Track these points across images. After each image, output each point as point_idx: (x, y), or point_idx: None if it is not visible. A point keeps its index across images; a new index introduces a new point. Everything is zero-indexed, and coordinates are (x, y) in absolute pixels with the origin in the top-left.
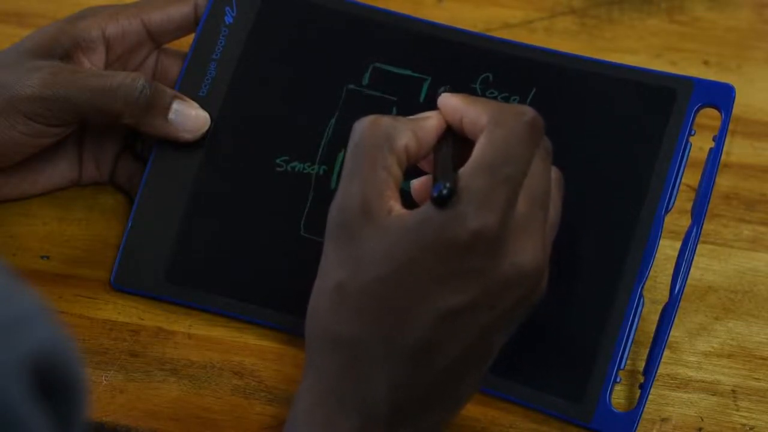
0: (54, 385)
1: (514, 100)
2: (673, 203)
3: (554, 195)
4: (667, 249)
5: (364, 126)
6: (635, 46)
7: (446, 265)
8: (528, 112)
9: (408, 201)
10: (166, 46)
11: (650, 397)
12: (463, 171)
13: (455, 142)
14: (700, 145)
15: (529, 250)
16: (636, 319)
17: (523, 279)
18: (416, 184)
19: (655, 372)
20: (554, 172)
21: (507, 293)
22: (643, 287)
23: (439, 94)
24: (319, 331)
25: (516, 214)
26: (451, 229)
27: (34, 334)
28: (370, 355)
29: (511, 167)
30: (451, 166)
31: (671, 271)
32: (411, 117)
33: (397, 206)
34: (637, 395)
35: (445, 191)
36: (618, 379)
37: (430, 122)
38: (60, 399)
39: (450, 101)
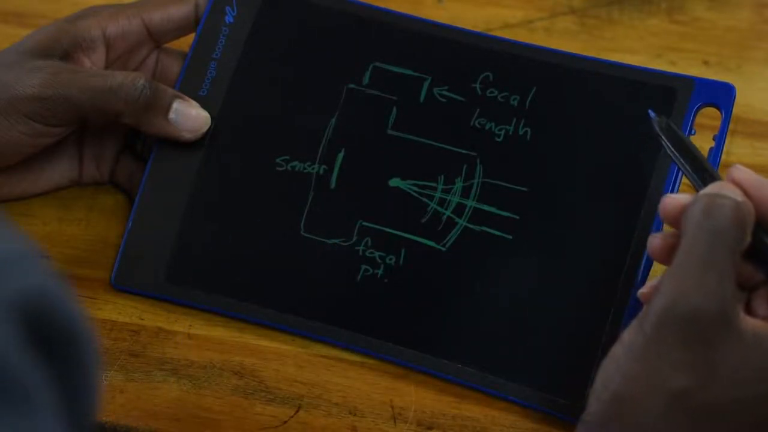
0: (49, 337)
1: (515, 99)
2: None
3: None
4: None
5: (715, 209)
6: (635, 46)
7: None
8: None
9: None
10: (167, 45)
11: None
12: None
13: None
14: (700, 144)
15: None
16: None
17: None
18: (647, 290)
19: None
20: None
21: None
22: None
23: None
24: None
25: None
26: None
27: (19, 278)
28: None
29: None
30: None
31: None
32: (733, 196)
33: (741, 311)
34: None
35: None
36: None
37: (751, 210)
38: (58, 354)
39: (757, 178)
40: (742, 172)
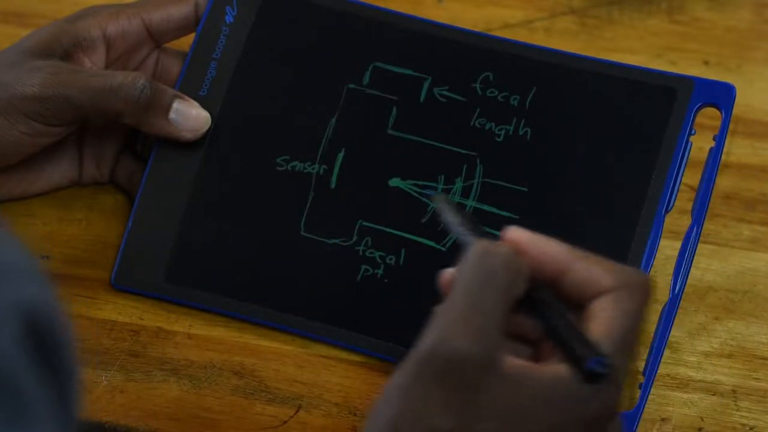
0: (44, 345)
1: (515, 99)
2: (673, 203)
3: None
4: (667, 249)
5: (501, 258)
6: (635, 46)
7: None
8: (650, 280)
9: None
10: (167, 45)
11: (650, 397)
12: (607, 343)
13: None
14: (700, 144)
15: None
16: None
17: None
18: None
19: (655, 372)
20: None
21: None
22: None
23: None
24: None
25: None
26: (596, 406)
27: (19, 288)
28: None
29: (635, 343)
30: (588, 338)
31: (671, 271)
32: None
33: (508, 355)
34: (637, 395)
35: (603, 370)
36: None
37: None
38: (52, 362)
39: (549, 250)
40: (515, 232)
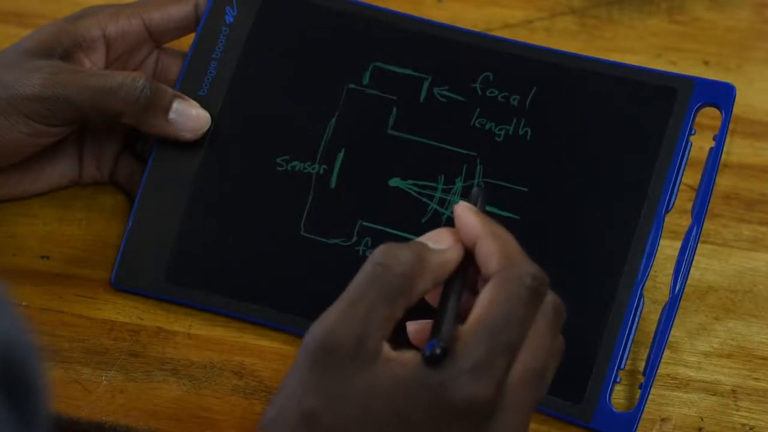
0: (11, 381)
1: (515, 99)
2: (673, 203)
3: (554, 326)
4: (667, 249)
5: (388, 256)
6: (635, 46)
7: (431, 426)
8: (534, 272)
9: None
10: (167, 45)
11: (650, 397)
12: (465, 330)
13: (466, 274)
14: (700, 144)
15: (512, 427)
16: (636, 319)
17: None
18: (413, 328)
19: (655, 372)
20: (553, 305)
21: None
22: (643, 287)
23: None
24: None
25: (508, 386)
26: (446, 393)
27: None
28: None
29: (512, 334)
30: (452, 321)
31: (671, 271)
32: (433, 245)
33: (386, 346)
34: (637, 395)
35: (438, 351)
36: (618, 379)
37: (450, 259)
38: (19, 397)
39: (469, 221)
40: (458, 206)
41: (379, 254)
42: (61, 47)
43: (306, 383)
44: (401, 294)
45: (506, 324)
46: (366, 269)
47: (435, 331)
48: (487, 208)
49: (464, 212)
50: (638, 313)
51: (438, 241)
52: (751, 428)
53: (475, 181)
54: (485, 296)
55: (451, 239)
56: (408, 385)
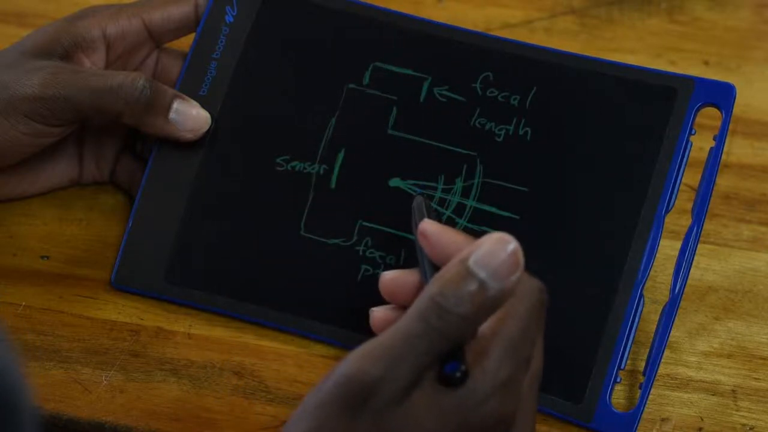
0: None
1: (515, 99)
2: (673, 203)
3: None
4: (667, 249)
5: (448, 294)
6: (635, 46)
7: None
8: (541, 285)
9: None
10: (167, 45)
11: (650, 397)
12: (492, 348)
13: None
14: (700, 144)
15: (529, 429)
16: (636, 319)
17: None
18: (379, 315)
19: (655, 372)
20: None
21: None
22: (643, 287)
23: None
24: None
25: (523, 394)
26: (478, 413)
27: None
28: None
29: (529, 348)
30: (470, 342)
31: (671, 271)
32: (493, 284)
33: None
34: (637, 395)
35: (459, 374)
36: (618, 379)
37: (505, 297)
38: (6, 427)
39: (449, 237)
40: (424, 223)
41: (431, 299)
42: (61, 47)
43: (338, 424)
44: (450, 344)
45: (524, 339)
46: (415, 318)
47: (455, 351)
48: (487, 208)
49: (438, 230)
50: (638, 313)
51: (498, 275)
52: (751, 428)
53: (475, 181)
54: (503, 312)
55: (512, 268)
56: (441, 411)
